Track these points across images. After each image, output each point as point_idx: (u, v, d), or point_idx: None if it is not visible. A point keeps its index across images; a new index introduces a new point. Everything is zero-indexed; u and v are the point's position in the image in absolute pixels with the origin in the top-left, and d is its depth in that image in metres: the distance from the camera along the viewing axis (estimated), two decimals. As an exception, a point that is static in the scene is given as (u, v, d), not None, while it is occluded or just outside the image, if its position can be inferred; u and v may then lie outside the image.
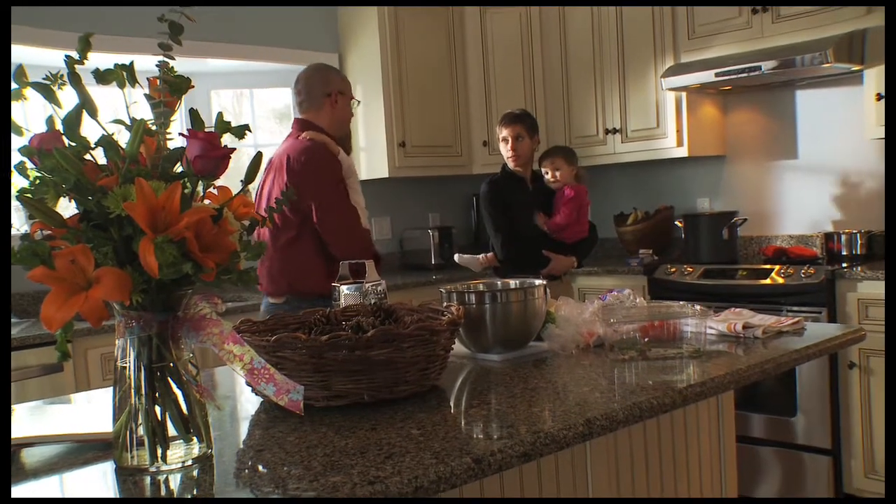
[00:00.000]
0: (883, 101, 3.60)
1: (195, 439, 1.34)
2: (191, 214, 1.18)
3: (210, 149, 1.23)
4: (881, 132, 3.65)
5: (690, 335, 1.94)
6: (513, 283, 2.14)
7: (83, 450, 1.41)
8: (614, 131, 4.66)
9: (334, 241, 2.92)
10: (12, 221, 1.23)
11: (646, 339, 1.93)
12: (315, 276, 2.90)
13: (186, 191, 1.28)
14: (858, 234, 3.91)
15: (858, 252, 3.90)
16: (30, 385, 3.10)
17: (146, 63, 1.32)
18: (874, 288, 3.43)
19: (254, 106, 5.05)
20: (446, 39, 4.98)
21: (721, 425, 2.31)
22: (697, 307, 1.98)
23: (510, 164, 3.88)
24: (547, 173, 3.92)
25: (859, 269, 3.52)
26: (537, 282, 2.04)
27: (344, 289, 2.09)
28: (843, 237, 3.95)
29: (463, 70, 5.04)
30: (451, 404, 1.62)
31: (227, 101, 5.06)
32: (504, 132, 3.84)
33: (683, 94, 4.36)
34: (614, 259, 4.84)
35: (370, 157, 4.82)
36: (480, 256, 3.91)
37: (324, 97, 3.07)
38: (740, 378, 1.72)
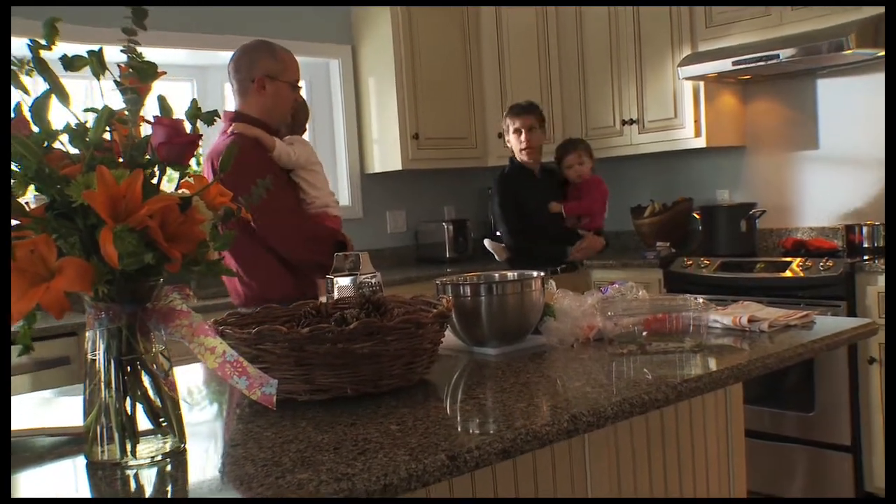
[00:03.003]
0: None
1: (167, 434, 1.31)
2: (153, 203, 1.15)
3: (175, 135, 1.19)
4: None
5: (693, 329, 1.88)
6: (510, 274, 2.09)
7: (66, 443, 1.39)
8: (631, 122, 4.58)
9: (275, 244, 2.68)
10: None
11: (645, 333, 1.87)
12: (280, 283, 2.69)
13: (154, 179, 1.25)
14: (880, 227, 3.80)
15: (880, 244, 3.79)
16: (43, 376, 3.10)
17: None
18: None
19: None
20: (460, 30, 4.92)
21: (728, 420, 2.24)
22: (700, 300, 1.91)
23: (523, 156, 3.84)
24: (571, 167, 3.94)
25: (880, 261, 3.42)
26: (534, 273, 1.99)
27: (338, 281, 2.05)
28: (865, 229, 3.84)
29: (477, 60, 4.99)
30: (438, 399, 1.57)
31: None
32: (517, 123, 3.80)
33: (701, 84, 4.27)
34: (631, 252, 4.77)
35: (383, 149, 4.78)
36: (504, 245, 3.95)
37: (249, 82, 2.73)
38: (740, 373, 1.66)
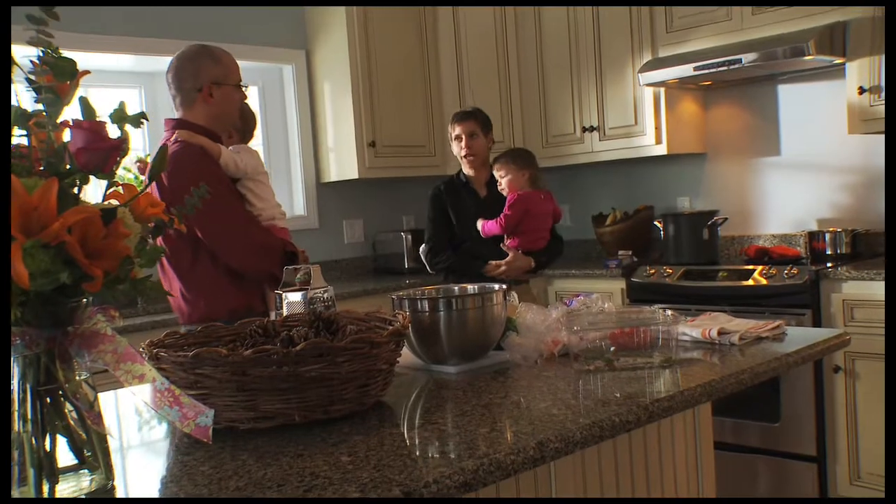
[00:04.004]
0: (866, 94, 3.47)
1: (93, 469, 1.18)
2: (70, 215, 1.02)
3: (96, 140, 1.07)
4: (864, 127, 3.52)
5: (662, 342, 1.79)
6: (470, 287, 1.98)
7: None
8: (592, 129, 4.51)
9: (225, 254, 2.55)
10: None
11: (613, 348, 1.78)
12: (226, 298, 2.55)
13: (75, 189, 1.12)
14: (843, 233, 3.77)
15: (843, 251, 3.76)
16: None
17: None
18: (859, 288, 3.29)
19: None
20: (418, 34, 4.82)
21: (697, 434, 2.15)
22: (669, 312, 1.83)
23: (465, 166, 3.58)
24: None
25: (844, 269, 3.38)
26: (496, 286, 1.89)
27: (287, 296, 1.93)
28: (828, 236, 3.81)
29: (436, 66, 4.88)
30: (394, 425, 1.46)
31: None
32: (457, 129, 3.53)
33: (662, 90, 4.22)
34: (593, 261, 4.70)
35: (339, 157, 4.65)
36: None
37: (195, 92, 2.60)
38: (713, 391, 1.57)
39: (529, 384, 1.67)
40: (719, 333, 1.91)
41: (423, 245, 3.63)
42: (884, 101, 3.40)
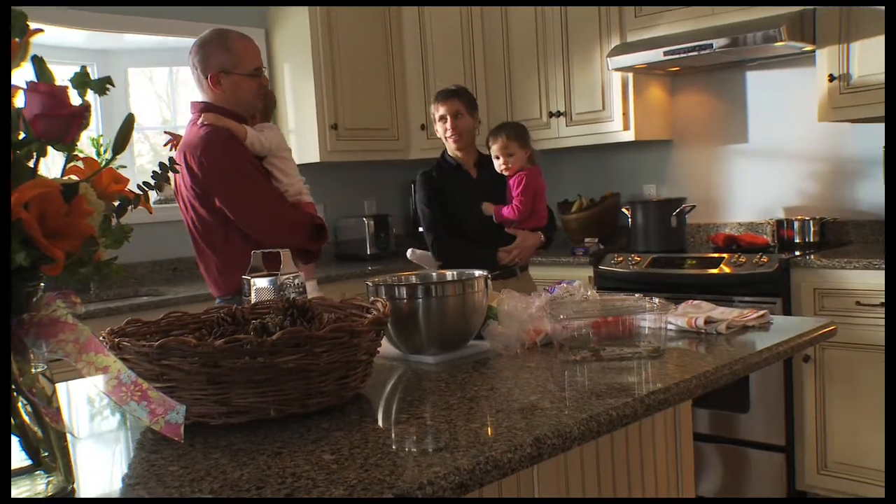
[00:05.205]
0: (836, 82, 3.45)
1: (51, 471, 1.07)
2: (26, 189, 0.91)
3: (55, 106, 0.96)
4: (834, 115, 3.50)
5: (648, 331, 1.72)
6: (449, 274, 1.90)
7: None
8: (558, 114, 4.44)
9: (256, 232, 2.61)
10: None
11: (598, 337, 1.70)
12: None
13: (31, 161, 1.01)
14: (811, 221, 3.76)
15: (811, 240, 3.75)
16: None
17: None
18: (829, 277, 3.27)
19: (174, 85, 4.71)
20: (381, 16, 4.70)
21: (678, 426, 2.10)
22: (656, 300, 1.76)
23: (451, 146, 3.38)
24: (497, 158, 3.34)
25: (814, 257, 3.36)
26: (477, 273, 1.80)
27: (256, 282, 1.82)
28: (796, 224, 3.79)
29: (399, 48, 4.77)
30: (376, 419, 1.37)
31: (161, 80, 4.71)
32: (441, 110, 3.34)
33: (630, 76, 4.16)
34: (558, 248, 4.62)
35: (300, 140, 4.51)
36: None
37: (204, 79, 2.65)
38: (708, 382, 1.51)
39: (515, 375, 1.59)
40: (706, 322, 1.85)
41: (426, 234, 3.41)
42: (854, 90, 3.38)
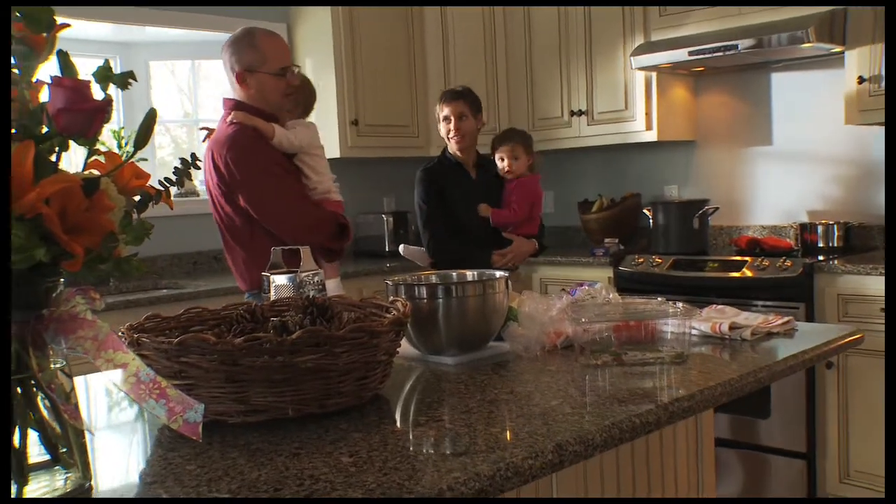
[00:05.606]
0: (866, 84, 3.40)
1: (68, 467, 1.06)
2: (47, 185, 0.90)
3: (78, 100, 0.95)
4: (862, 118, 3.45)
5: (671, 336, 1.70)
6: (469, 274, 1.88)
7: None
8: (580, 113, 4.41)
9: (278, 230, 2.63)
10: None
11: (619, 341, 1.68)
12: None
13: (53, 155, 1.00)
14: (836, 226, 3.70)
15: (836, 244, 3.69)
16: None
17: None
18: (854, 283, 3.23)
19: (196, 78, 4.72)
20: (404, 15, 4.69)
21: (699, 432, 2.07)
22: (680, 305, 1.74)
23: (453, 147, 3.43)
24: (502, 160, 3.46)
25: (838, 262, 3.32)
26: (498, 273, 1.78)
27: (275, 279, 1.81)
28: (820, 228, 3.74)
29: (421, 46, 4.76)
30: (394, 421, 1.36)
31: (182, 73, 4.72)
32: (445, 110, 3.40)
33: (654, 75, 4.12)
34: (577, 248, 4.60)
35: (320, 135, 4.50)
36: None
37: (232, 76, 2.68)
38: (733, 390, 1.48)
39: (535, 378, 1.57)
40: (731, 328, 1.82)
41: (423, 231, 3.46)
42: (884, 92, 3.33)
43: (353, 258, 4.71)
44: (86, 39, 4.15)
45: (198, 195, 4.24)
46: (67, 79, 0.96)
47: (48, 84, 0.98)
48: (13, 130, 1.00)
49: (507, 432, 1.24)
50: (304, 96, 2.91)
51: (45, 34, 1.01)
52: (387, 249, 4.63)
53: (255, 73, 2.64)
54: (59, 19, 1.02)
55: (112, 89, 1.04)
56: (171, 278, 3.93)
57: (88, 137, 0.97)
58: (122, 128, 3.85)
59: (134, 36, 4.31)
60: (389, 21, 4.61)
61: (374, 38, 4.53)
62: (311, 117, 4.57)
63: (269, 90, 2.67)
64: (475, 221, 3.44)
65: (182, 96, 4.78)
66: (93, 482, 1.09)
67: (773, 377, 1.60)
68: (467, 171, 3.48)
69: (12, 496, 1.01)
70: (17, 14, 0.95)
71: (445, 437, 1.22)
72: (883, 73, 3.35)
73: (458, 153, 3.46)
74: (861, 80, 3.40)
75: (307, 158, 2.77)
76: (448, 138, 3.44)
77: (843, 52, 3.52)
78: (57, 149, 1.00)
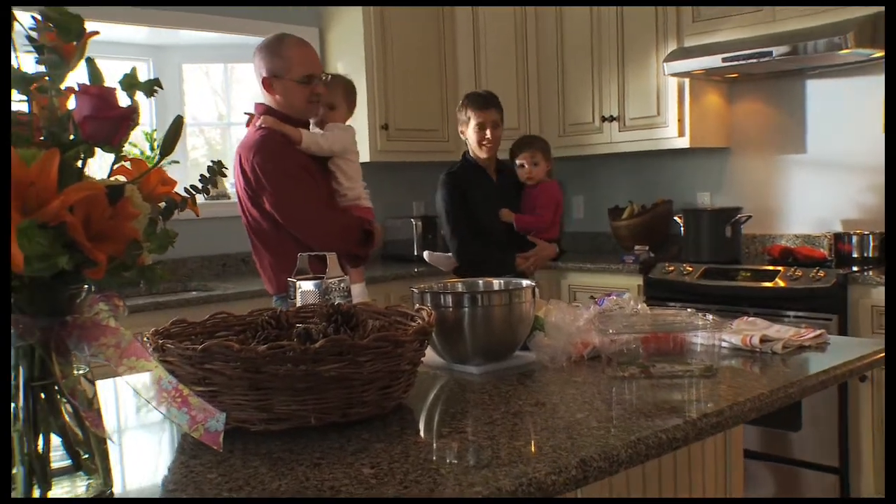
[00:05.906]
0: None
1: (91, 473, 1.07)
2: (72, 192, 0.90)
3: (104, 108, 0.95)
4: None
5: (701, 348, 1.67)
6: (496, 283, 1.86)
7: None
8: (611, 119, 4.38)
9: (303, 235, 2.65)
10: None
11: (647, 352, 1.66)
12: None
13: (79, 162, 1.00)
14: (871, 236, 3.64)
15: (870, 255, 3.63)
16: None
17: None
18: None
19: (229, 81, 4.75)
20: (435, 16, 4.68)
21: (728, 447, 2.04)
22: (710, 317, 1.71)
23: (483, 153, 3.45)
24: (523, 166, 3.55)
25: (873, 273, 3.25)
26: (525, 282, 1.77)
27: (301, 285, 1.81)
28: (854, 238, 3.68)
29: (452, 48, 4.75)
30: (417, 431, 1.34)
31: (216, 76, 4.75)
32: (481, 117, 3.41)
33: (686, 81, 4.08)
34: (607, 255, 4.57)
35: (352, 139, 4.51)
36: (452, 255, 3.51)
37: (260, 82, 2.71)
38: (763, 406, 1.45)
39: (561, 390, 1.55)
40: (762, 341, 1.79)
41: (449, 235, 3.47)
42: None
43: (381, 262, 4.71)
44: (119, 42, 4.19)
45: (228, 198, 4.26)
46: (94, 86, 0.96)
47: (75, 92, 0.98)
48: (41, 137, 1.01)
49: (531, 446, 1.22)
50: (346, 94, 2.91)
51: (75, 42, 1.01)
52: (415, 254, 4.62)
53: (280, 79, 2.67)
54: (92, 25, 1.02)
55: (139, 95, 1.04)
56: (201, 280, 3.95)
57: (113, 145, 0.97)
58: (155, 130, 3.91)
59: (168, 39, 4.34)
60: (421, 21, 4.61)
61: (405, 41, 4.52)
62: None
63: (294, 97, 2.69)
64: (496, 224, 3.49)
65: (216, 98, 4.81)
66: (113, 490, 1.09)
67: (804, 393, 1.57)
68: (489, 175, 3.52)
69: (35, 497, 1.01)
70: (49, 24, 0.95)
71: (468, 450, 1.21)
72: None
73: (484, 158, 3.49)
74: (899, 87, 3.33)
75: (341, 163, 2.79)
76: (480, 145, 3.45)
77: (882, 58, 3.46)
78: (83, 156, 1.00)
